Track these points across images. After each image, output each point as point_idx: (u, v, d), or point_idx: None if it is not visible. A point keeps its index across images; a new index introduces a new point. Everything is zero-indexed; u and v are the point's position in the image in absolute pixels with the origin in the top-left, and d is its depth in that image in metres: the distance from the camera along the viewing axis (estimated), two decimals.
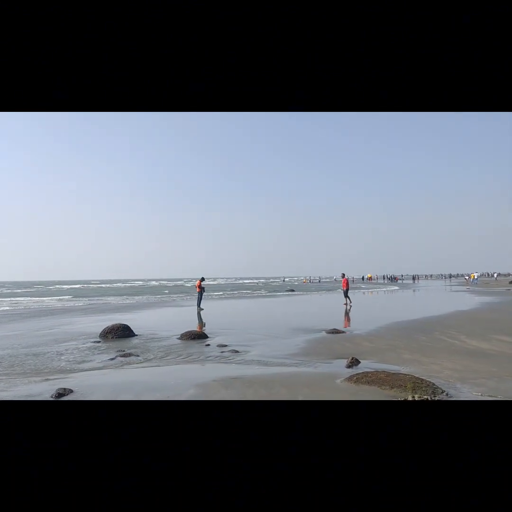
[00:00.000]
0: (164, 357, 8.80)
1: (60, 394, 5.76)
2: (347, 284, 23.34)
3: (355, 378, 6.45)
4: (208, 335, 11.54)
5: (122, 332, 11.77)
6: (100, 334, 11.87)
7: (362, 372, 6.63)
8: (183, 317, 17.72)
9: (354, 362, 7.97)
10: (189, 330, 11.77)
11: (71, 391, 5.94)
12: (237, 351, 9.24)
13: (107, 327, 11.97)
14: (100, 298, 37.94)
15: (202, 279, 22.57)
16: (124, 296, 39.97)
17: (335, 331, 11.83)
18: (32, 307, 25.74)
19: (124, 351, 9.51)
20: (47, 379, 6.94)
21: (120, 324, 12.17)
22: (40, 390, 6.09)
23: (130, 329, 12.13)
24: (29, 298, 37.88)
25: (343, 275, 23.96)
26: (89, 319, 17.29)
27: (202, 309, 20.51)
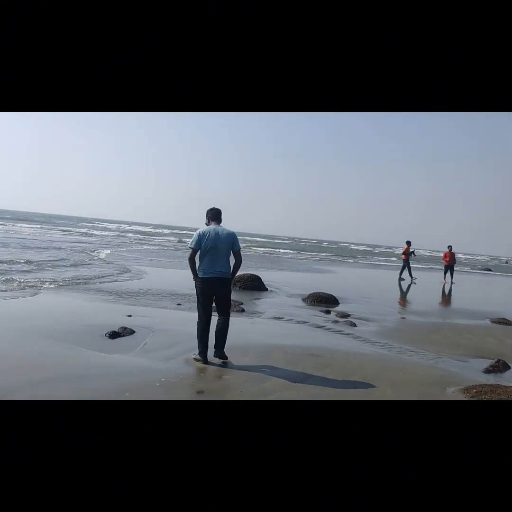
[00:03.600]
0: None
1: None
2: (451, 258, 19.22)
3: (474, 390, 4.57)
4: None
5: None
6: None
7: (491, 385, 4.68)
8: None
9: (498, 367, 5.99)
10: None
11: None
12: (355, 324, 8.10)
13: None
14: None
15: None
16: None
17: (504, 322, 9.60)
18: None
19: None
20: None
21: None
22: None
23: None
24: None
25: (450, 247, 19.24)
26: None
27: None
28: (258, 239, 67.62)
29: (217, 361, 5.09)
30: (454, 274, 19.31)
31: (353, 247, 78.34)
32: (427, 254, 66.25)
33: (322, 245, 76.04)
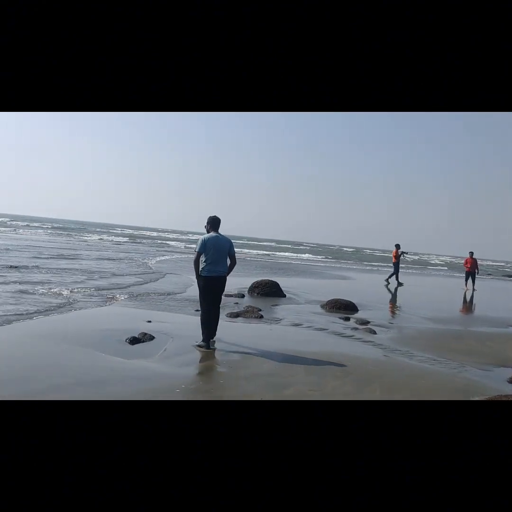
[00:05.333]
0: None
1: None
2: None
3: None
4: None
5: None
6: None
7: None
8: None
9: None
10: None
11: None
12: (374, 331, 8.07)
13: None
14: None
15: None
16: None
17: None
18: None
19: None
20: None
21: None
22: None
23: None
24: None
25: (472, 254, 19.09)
26: None
27: None
28: (283, 245, 67.73)
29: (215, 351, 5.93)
30: (475, 281, 18.99)
31: (377, 254, 77.44)
32: (451, 260, 65.52)
33: (345, 251, 75.55)
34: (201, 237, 6.11)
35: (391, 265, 19.80)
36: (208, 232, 6.21)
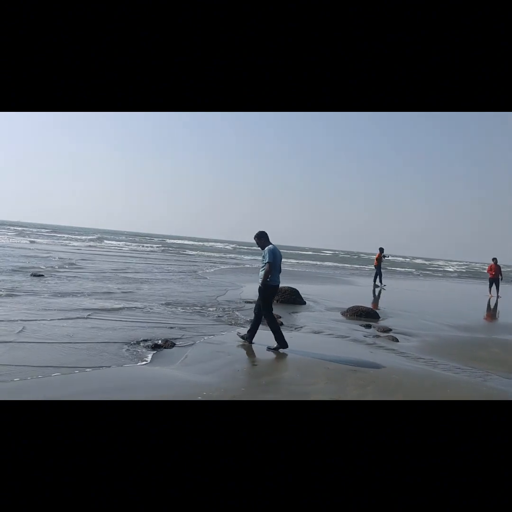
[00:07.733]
0: None
1: None
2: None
3: None
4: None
5: None
6: None
7: None
8: None
9: None
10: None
11: None
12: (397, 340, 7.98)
13: None
14: None
15: None
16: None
17: None
18: None
19: None
20: None
21: None
22: None
23: None
24: None
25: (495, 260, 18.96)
26: None
27: None
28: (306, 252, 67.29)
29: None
30: (500, 287, 18.62)
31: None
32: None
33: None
34: (268, 248, 6.54)
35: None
36: (263, 245, 6.64)
